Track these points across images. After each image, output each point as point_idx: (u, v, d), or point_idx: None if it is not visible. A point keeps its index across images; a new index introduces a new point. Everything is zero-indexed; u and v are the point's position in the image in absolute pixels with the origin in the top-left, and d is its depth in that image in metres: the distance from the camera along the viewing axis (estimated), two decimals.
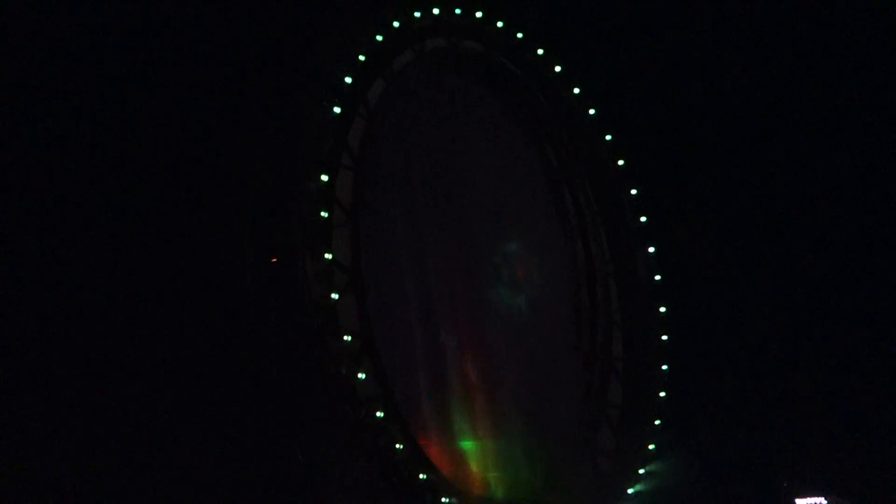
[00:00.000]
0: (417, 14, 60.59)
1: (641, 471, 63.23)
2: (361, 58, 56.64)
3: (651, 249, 67.74)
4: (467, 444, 58.82)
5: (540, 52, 66.22)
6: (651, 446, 64.17)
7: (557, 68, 66.46)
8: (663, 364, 66.48)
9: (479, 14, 63.71)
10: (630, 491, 62.32)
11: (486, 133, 65.01)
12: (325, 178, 53.47)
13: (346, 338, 51.89)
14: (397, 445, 52.66)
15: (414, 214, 60.29)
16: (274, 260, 53.49)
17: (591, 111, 67.72)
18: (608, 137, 68.26)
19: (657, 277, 67.47)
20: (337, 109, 54.75)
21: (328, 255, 52.47)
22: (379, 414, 52.12)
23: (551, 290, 66.50)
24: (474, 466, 58.88)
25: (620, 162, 68.09)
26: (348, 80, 55.73)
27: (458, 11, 63.14)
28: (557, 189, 68.19)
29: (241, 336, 53.93)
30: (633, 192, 68.09)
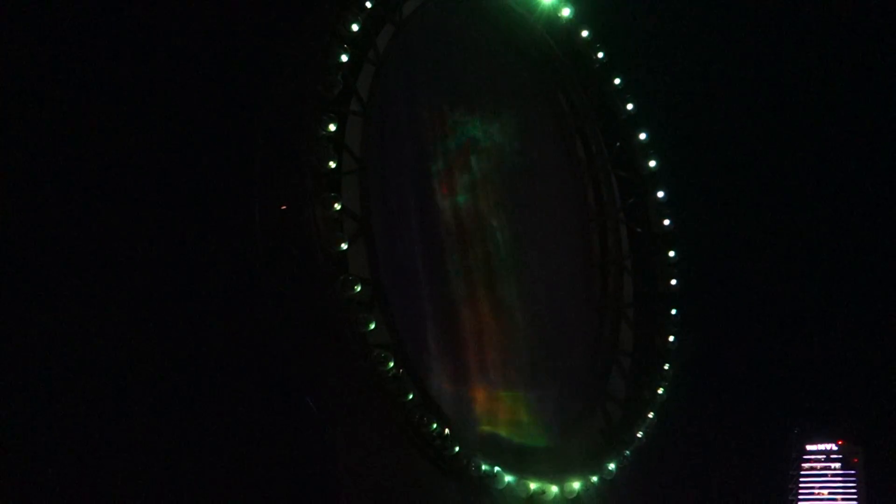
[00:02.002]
0: None
1: (650, 414, 63.06)
2: (368, 4, 56.04)
3: (661, 195, 67.29)
4: (478, 393, 58.74)
5: None
6: (661, 391, 64.03)
7: (567, 12, 65.79)
8: (673, 309, 66.23)
9: None
10: (638, 434, 62.17)
11: (497, 80, 64.48)
12: (332, 126, 53.02)
13: (356, 287, 51.57)
14: (408, 395, 52.53)
15: (424, 161, 59.95)
16: (283, 208, 53.27)
17: (601, 55, 67.11)
18: (617, 81, 67.69)
19: (667, 223, 67.05)
20: (345, 57, 54.21)
21: (337, 205, 52.08)
22: (390, 364, 51.91)
23: (562, 237, 66.26)
24: (485, 415, 58.80)
25: (630, 106, 67.56)
26: (355, 27, 55.16)
27: None
28: (568, 136, 67.73)
29: (250, 284, 53.86)
30: (643, 137, 67.59)
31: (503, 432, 58.76)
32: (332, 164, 52.79)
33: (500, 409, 59.32)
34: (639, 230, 67.29)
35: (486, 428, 58.07)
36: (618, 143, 67.86)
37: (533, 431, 59.99)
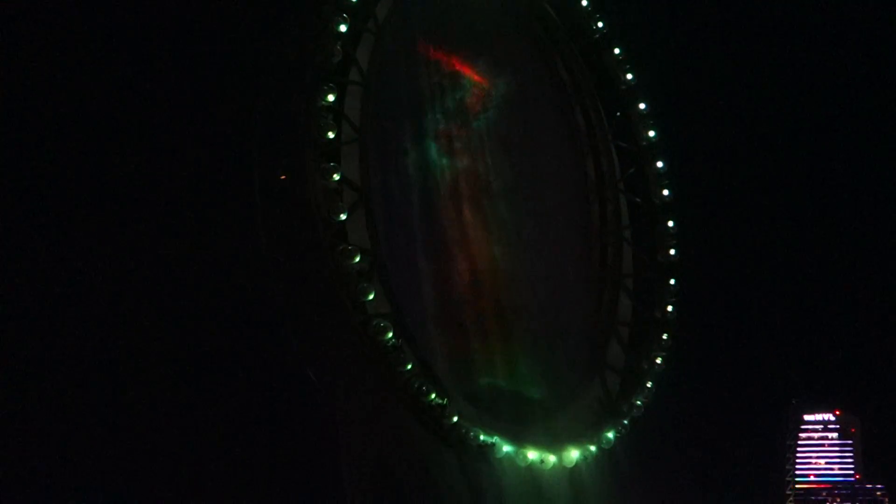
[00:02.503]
0: None
1: (648, 384, 63.16)
2: None
3: (660, 165, 67.19)
4: (477, 362, 58.80)
5: None
6: (659, 361, 64.11)
7: None
8: (672, 279, 66.21)
9: None
10: (636, 404, 62.28)
11: (497, 49, 64.31)
12: (332, 97, 52.91)
13: (355, 257, 51.59)
14: (407, 365, 52.61)
15: (423, 131, 59.85)
16: (283, 178, 53.24)
17: (600, 24, 66.96)
18: (617, 51, 67.52)
19: (665, 193, 66.99)
20: (344, 27, 54.01)
21: (336, 176, 52.01)
22: (389, 334, 51.99)
23: (561, 207, 66.20)
24: (484, 384, 58.90)
25: (629, 77, 67.42)
26: None
27: None
28: (568, 106, 67.57)
29: (250, 254, 53.87)
30: (642, 107, 67.47)
31: (502, 402, 58.85)
32: (332, 135, 52.71)
33: (498, 378, 59.43)
34: (638, 200, 67.22)
35: (486, 397, 58.19)
36: (618, 114, 67.75)
37: (532, 401, 60.11)
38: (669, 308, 65.54)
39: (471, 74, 62.43)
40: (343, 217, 52.04)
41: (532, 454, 56.90)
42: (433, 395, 53.25)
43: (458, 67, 61.99)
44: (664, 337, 64.77)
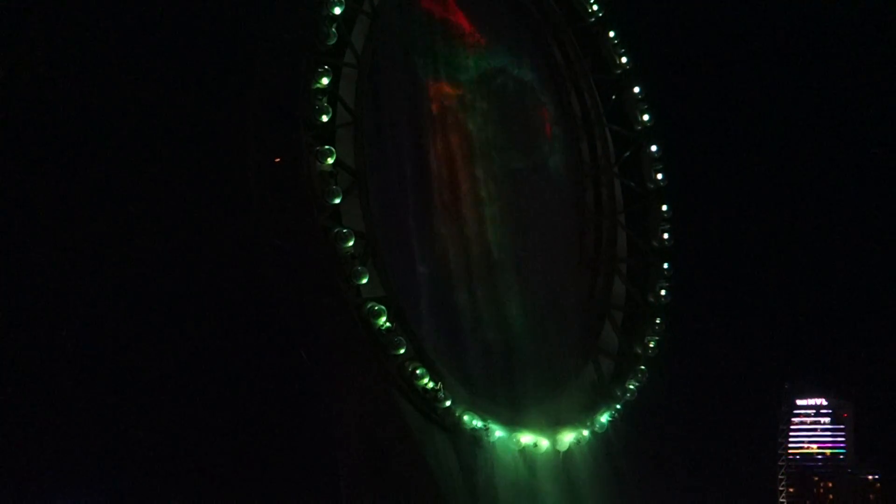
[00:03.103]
0: None
1: (642, 368, 63.29)
2: None
3: (654, 149, 67.19)
4: (471, 346, 58.82)
5: None
6: (652, 345, 64.23)
7: None
8: (665, 263, 66.29)
9: None
10: (629, 388, 62.41)
11: (492, 32, 64.19)
12: (326, 80, 52.74)
13: (350, 240, 51.53)
14: (401, 349, 52.58)
15: (418, 114, 59.73)
16: (277, 161, 53.12)
17: (595, 6, 66.90)
18: (612, 34, 67.45)
19: (660, 177, 66.97)
20: (338, 10, 53.81)
21: (331, 159, 51.87)
22: (383, 318, 51.98)
23: (556, 190, 66.18)
24: (478, 368, 58.91)
25: (624, 60, 67.37)
26: None
27: None
28: (563, 89, 67.50)
29: (244, 237, 53.80)
30: (637, 90, 67.43)
31: (496, 385, 58.88)
32: (326, 118, 52.58)
33: (492, 362, 59.47)
34: (632, 184, 67.19)
35: (480, 381, 58.22)
36: (612, 97, 67.70)
37: (526, 384, 60.16)
38: (663, 292, 65.65)
39: (466, 58, 62.33)
40: (337, 200, 51.93)
41: (525, 438, 57.01)
42: (426, 379, 53.27)
43: (453, 48, 61.89)
44: (658, 321, 64.89)
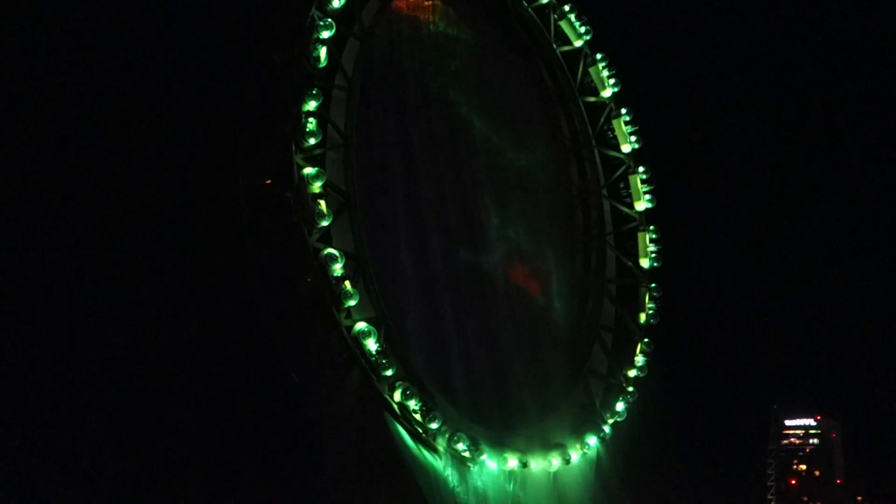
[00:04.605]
0: None
1: (631, 389, 63.39)
2: None
3: (641, 169, 67.51)
4: (461, 368, 58.87)
5: None
6: (641, 363, 64.33)
7: None
8: (654, 284, 66.50)
9: None
10: (619, 409, 62.50)
11: (482, 56, 64.45)
12: (316, 102, 52.93)
13: (340, 261, 51.66)
14: (390, 370, 52.67)
15: (409, 135, 59.88)
16: (268, 182, 53.23)
17: (582, 28, 67.26)
18: (599, 57, 67.77)
19: (649, 199, 67.26)
20: (326, 34, 54.01)
21: (321, 180, 51.97)
22: (373, 338, 52.10)
23: (547, 213, 66.34)
24: (467, 389, 58.96)
25: (612, 81, 67.68)
26: (338, 2, 55.02)
27: None
28: (552, 111, 67.74)
29: (235, 258, 53.94)
30: (626, 114, 67.73)
31: (485, 407, 58.95)
32: (316, 140, 52.74)
33: (482, 384, 59.51)
34: (621, 206, 67.38)
35: (469, 402, 58.25)
36: (602, 120, 67.90)
37: (515, 406, 60.22)
38: (652, 313, 65.80)
39: (455, 79, 62.62)
40: (327, 222, 52.09)
41: (514, 459, 57.06)
42: (416, 400, 53.35)
43: (442, 72, 62.16)
44: (647, 342, 65.00)
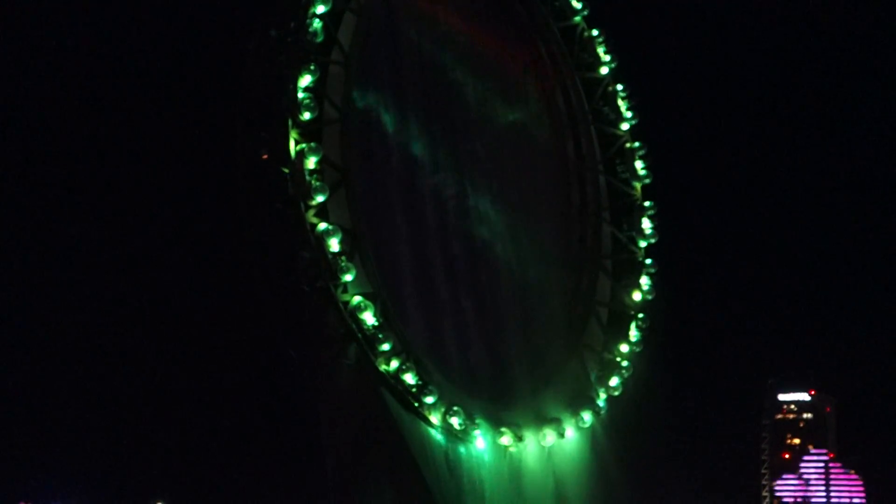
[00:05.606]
0: None
1: (626, 363, 63.52)
2: None
3: (637, 144, 67.51)
4: (457, 342, 59.03)
5: None
6: (636, 338, 64.46)
7: None
8: (649, 259, 66.59)
9: None
10: (614, 384, 62.66)
11: (478, 33, 64.35)
12: (313, 77, 52.90)
13: (336, 236, 51.74)
14: (387, 344, 52.81)
15: (406, 111, 59.85)
16: (265, 157, 53.29)
17: (579, 4, 67.21)
18: (595, 33, 67.72)
19: (645, 173, 67.29)
20: (322, 8, 53.94)
21: (317, 155, 51.99)
22: (369, 314, 52.25)
23: (542, 187, 66.36)
24: (463, 364, 59.15)
25: (608, 58, 67.67)
26: None
27: None
28: (549, 88, 67.67)
29: (231, 234, 53.98)
30: (621, 89, 67.74)
31: (481, 381, 59.14)
32: (312, 115, 52.73)
33: (478, 359, 59.70)
34: (617, 181, 67.38)
35: (465, 377, 58.43)
36: (598, 95, 67.85)
37: (511, 381, 60.38)
38: (647, 288, 65.88)
39: (451, 56, 62.56)
40: (324, 197, 52.15)
41: (510, 434, 57.27)
42: (412, 375, 53.56)
43: (439, 48, 62.08)
44: (642, 317, 65.13)
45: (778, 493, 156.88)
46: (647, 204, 67.14)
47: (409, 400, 54.07)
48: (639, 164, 67.31)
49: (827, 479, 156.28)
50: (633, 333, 64.80)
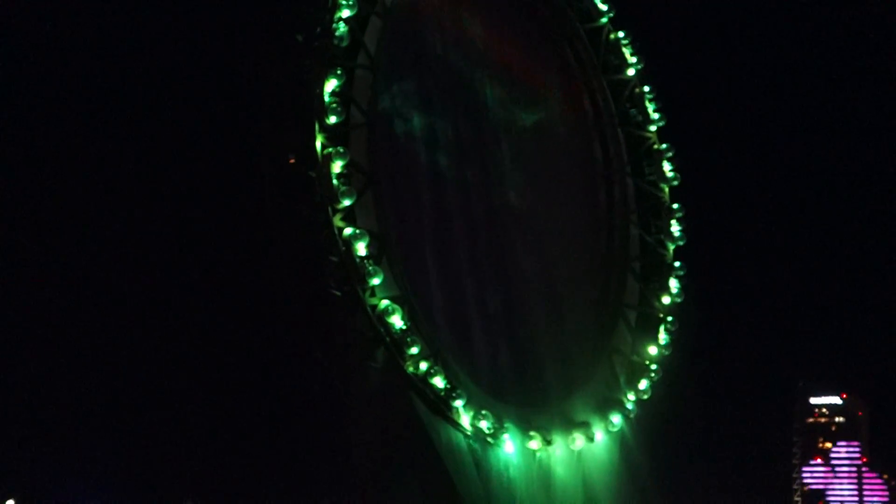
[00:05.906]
0: None
1: (655, 367, 63.27)
2: None
3: (665, 146, 67.34)
4: (485, 346, 58.94)
5: None
6: (665, 341, 64.21)
7: None
8: (678, 262, 66.38)
9: None
10: (643, 387, 62.43)
11: (504, 35, 64.32)
12: (340, 81, 52.95)
13: (364, 240, 51.75)
14: (415, 348, 52.74)
15: (432, 115, 59.83)
16: (292, 161, 53.37)
17: (605, 6, 67.16)
18: (622, 35, 67.63)
19: (673, 175, 67.10)
20: (347, 13, 54.00)
21: (340, 161, 51.96)
22: (397, 317, 52.22)
23: (570, 192, 66.28)
24: (491, 367, 59.03)
25: (634, 60, 67.54)
26: None
27: None
28: (576, 91, 67.58)
29: (260, 238, 54.07)
30: (648, 91, 67.58)
31: (510, 385, 59.00)
32: (339, 119, 52.77)
33: (506, 362, 59.58)
34: (645, 184, 67.20)
35: (493, 380, 58.31)
36: (626, 98, 67.70)
37: (540, 384, 60.24)
38: (676, 291, 65.65)
39: (477, 58, 62.52)
40: (351, 201, 52.14)
41: (539, 438, 57.12)
42: (441, 379, 53.49)
43: (465, 51, 62.06)
44: (671, 320, 64.88)
45: (804, 481, 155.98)
46: (675, 206, 66.95)
47: (437, 404, 54.00)
48: (666, 166, 67.19)
49: (859, 475, 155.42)
50: (662, 336, 64.58)
